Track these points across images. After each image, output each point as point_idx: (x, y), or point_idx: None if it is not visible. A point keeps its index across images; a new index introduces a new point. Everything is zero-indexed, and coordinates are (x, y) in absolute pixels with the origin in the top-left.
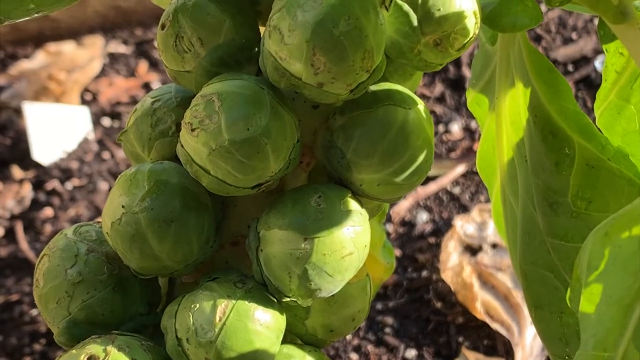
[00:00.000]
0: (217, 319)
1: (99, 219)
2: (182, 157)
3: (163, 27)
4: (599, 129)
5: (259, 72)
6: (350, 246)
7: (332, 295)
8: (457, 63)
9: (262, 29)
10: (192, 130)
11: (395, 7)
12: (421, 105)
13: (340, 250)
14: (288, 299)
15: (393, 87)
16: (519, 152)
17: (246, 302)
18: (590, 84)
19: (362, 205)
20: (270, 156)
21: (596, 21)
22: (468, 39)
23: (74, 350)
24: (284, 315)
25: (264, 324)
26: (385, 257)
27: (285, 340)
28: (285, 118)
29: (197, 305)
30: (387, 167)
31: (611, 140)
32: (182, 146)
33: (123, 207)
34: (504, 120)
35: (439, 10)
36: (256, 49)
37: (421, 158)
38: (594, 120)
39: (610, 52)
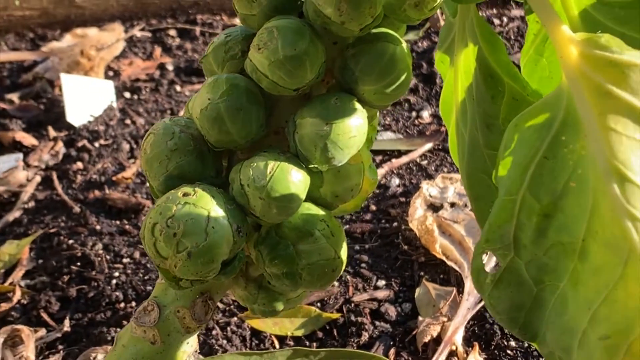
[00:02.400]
0: (268, 172)
1: (181, 114)
2: (249, 67)
3: None
4: (523, 76)
5: (300, 15)
6: (355, 131)
7: (338, 171)
8: (430, 62)
9: None
10: (259, 49)
11: None
12: (404, 44)
13: (349, 133)
14: (312, 166)
15: (387, 31)
16: (469, 93)
17: (287, 163)
18: None
19: (364, 108)
20: (308, 68)
21: None
22: (437, 2)
23: (172, 191)
24: (308, 177)
25: (297, 178)
26: (371, 174)
27: (305, 201)
28: (318, 45)
29: (255, 164)
30: (381, 81)
31: (530, 84)
32: (250, 60)
33: (209, 99)
34: (459, 71)
35: None
36: (298, 2)
37: (403, 77)
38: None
39: (531, 21)
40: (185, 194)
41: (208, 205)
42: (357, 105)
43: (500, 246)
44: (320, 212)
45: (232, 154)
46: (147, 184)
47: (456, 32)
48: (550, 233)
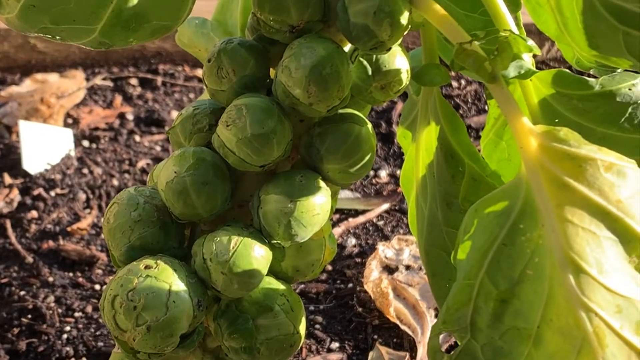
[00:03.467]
0: (231, 247)
1: (147, 186)
2: (216, 143)
3: (209, 61)
4: (483, 157)
5: (268, 93)
6: (318, 209)
7: (300, 246)
8: (389, 122)
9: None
10: (227, 126)
11: (358, 62)
12: (369, 125)
13: (312, 211)
14: (275, 241)
15: (353, 112)
16: (429, 170)
17: (250, 239)
18: None
19: (328, 186)
20: (275, 146)
21: None
22: (402, 86)
23: (134, 262)
24: (271, 252)
25: (259, 253)
26: (330, 244)
27: (266, 275)
28: (286, 124)
29: (218, 238)
30: (345, 161)
31: (490, 165)
32: (218, 136)
33: (175, 172)
34: (421, 147)
35: (385, 66)
36: (267, 80)
37: (367, 158)
38: (480, 150)
39: (491, 105)
40: (147, 267)
41: (169, 279)
42: (322, 183)
43: (458, 328)
44: (280, 286)
45: (195, 225)
46: (102, 236)
47: (419, 110)
48: (506, 318)
